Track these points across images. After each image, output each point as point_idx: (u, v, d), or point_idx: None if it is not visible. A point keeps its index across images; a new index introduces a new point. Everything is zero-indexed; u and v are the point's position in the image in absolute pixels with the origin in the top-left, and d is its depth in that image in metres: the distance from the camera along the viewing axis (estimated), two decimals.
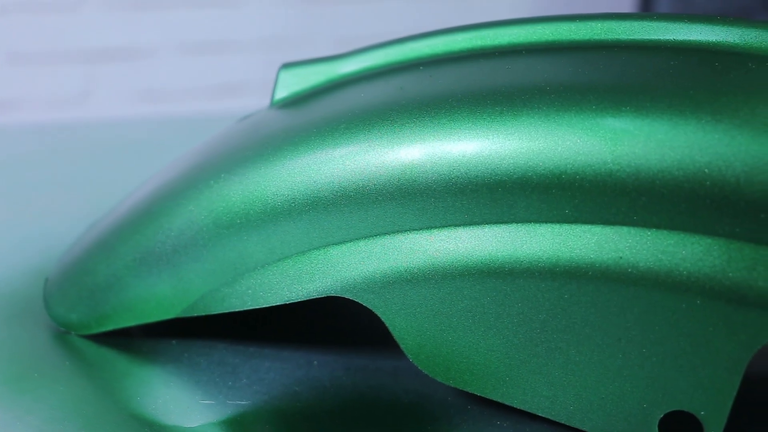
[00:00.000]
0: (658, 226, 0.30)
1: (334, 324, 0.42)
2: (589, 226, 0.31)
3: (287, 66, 0.41)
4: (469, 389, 0.34)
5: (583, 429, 0.33)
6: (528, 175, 0.31)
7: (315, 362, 0.38)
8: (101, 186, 0.60)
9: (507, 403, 0.33)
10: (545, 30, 0.37)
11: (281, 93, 0.41)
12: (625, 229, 0.31)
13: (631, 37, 0.35)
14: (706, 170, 0.30)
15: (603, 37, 0.35)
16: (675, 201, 0.30)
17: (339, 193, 0.34)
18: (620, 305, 0.31)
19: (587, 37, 0.36)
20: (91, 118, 1.49)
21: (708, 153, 0.30)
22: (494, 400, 0.34)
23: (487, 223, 0.32)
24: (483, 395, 0.34)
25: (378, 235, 0.34)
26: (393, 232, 0.34)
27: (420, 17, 1.74)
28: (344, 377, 0.37)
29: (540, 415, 0.33)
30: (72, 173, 0.66)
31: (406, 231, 0.33)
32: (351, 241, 0.34)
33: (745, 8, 1.58)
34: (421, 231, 0.33)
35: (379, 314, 0.34)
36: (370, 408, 0.35)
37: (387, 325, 0.34)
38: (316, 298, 0.35)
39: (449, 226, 0.33)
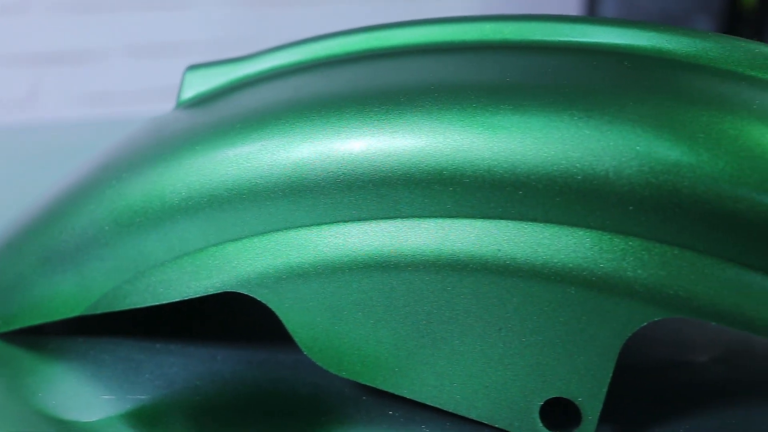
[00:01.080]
0: (534, 220, 0.32)
1: (244, 319, 0.43)
2: (470, 220, 0.32)
3: (193, 68, 0.42)
4: (360, 380, 0.35)
5: (469, 417, 0.34)
6: (411, 172, 0.32)
7: (218, 357, 0.39)
8: (46, 188, 0.60)
9: (397, 393, 0.34)
10: (439, 31, 0.38)
11: (187, 94, 0.41)
12: (503, 222, 0.32)
13: (520, 38, 0.36)
14: (578, 165, 0.31)
15: (492, 37, 0.37)
16: (549, 195, 0.31)
17: (233, 192, 0.35)
18: (499, 296, 0.32)
19: (477, 38, 0.37)
20: (39, 120, 1.49)
21: (579, 148, 0.31)
22: (385, 390, 0.35)
23: (373, 219, 0.33)
24: (374, 386, 0.35)
25: (271, 231, 0.35)
26: (285, 229, 0.35)
27: (370, 19, 1.75)
28: (245, 371, 0.38)
29: (428, 404, 0.34)
30: (18, 176, 0.67)
31: (297, 227, 0.34)
32: (246, 237, 0.35)
33: (685, 9, 1.60)
34: (311, 227, 0.34)
35: (273, 308, 0.35)
36: (268, 400, 0.36)
37: (281, 319, 0.35)
38: (225, 294, 0.36)
39: (338, 222, 0.34)
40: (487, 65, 0.35)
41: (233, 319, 0.43)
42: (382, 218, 0.33)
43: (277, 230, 0.35)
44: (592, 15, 1.82)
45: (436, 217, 0.33)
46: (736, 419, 0.35)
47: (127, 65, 1.67)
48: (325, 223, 0.34)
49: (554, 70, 0.34)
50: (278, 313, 0.35)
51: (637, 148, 0.30)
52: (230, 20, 1.68)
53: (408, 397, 0.34)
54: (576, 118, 0.31)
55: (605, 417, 0.34)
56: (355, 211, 0.33)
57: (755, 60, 0.33)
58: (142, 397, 0.36)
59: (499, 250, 0.32)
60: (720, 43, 0.34)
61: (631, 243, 0.31)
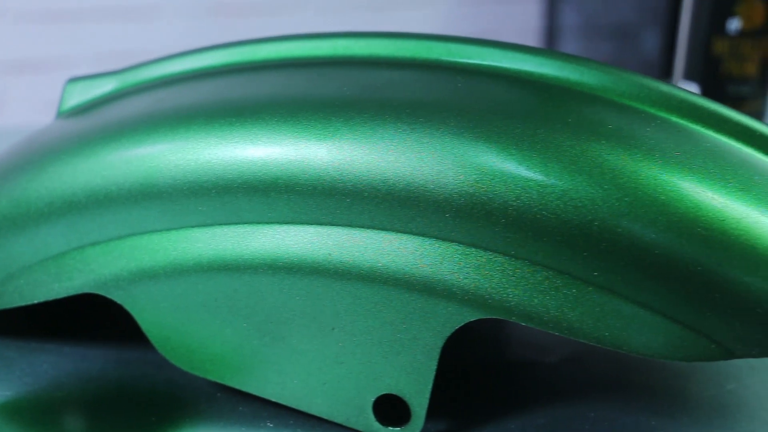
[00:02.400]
0: (361, 226, 0.34)
1: (125, 320, 0.44)
2: (304, 226, 0.34)
3: (74, 80, 0.44)
4: (210, 377, 0.37)
5: (309, 412, 0.36)
6: (250, 181, 0.34)
7: (90, 356, 0.41)
8: None
9: (243, 389, 0.36)
10: (297, 46, 0.40)
11: (67, 105, 0.43)
12: (334, 228, 0.34)
13: (368, 54, 0.38)
14: (400, 174, 0.33)
15: (342, 53, 0.39)
16: (374, 202, 0.33)
17: (90, 197, 0.37)
18: (331, 298, 0.34)
19: (328, 54, 0.39)
20: (6, 126, 1.50)
21: (402, 159, 0.33)
22: (234, 387, 0.36)
23: (217, 224, 0.35)
24: (223, 383, 0.37)
25: (125, 236, 0.37)
26: (138, 233, 0.36)
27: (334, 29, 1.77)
28: (112, 369, 0.40)
29: (272, 400, 0.36)
30: None
31: (149, 232, 0.36)
32: (104, 241, 0.37)
33: (637, 22, 1.63)
34: (161, 232, 0.36)
35: (128, 309, 0.37)
36: (128, 397, 0.38)
37: (135, 319, 0.37)
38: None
39: (185, 227, 0.36)
40: (328, 80, 0.37)
41: (117, 319, 0.45)
42: (225, 224, 0.35)
43: (131, 234, 0.37)
44: (551, 24, 1.85)
45: (273, 223, 0.35)
46: (567, 417, 0.37)
47: None
48: (174, 228, 0.36)
49: (389, 85, 0.36)
50: (133, 313, 0.37)
51: (455, 158, 0.32)
52: (195, 31, 1.70)
53: (253, 393, 0.36)
54: (400, 130, 0.33)
55: (444, 414, 0.36)
56: (200, 217, 0.35)
57: (618, 85, 0.35)
58: (8, 393, 0.38)
59: (330, 255, 0.34)
60: (589, 68, 0.36)
61: (449, 248, 0.33)
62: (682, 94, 0.35)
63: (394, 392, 0.34)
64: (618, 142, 0.33)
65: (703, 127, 0.35)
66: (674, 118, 0.35)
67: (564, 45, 1.90)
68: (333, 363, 0.35)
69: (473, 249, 0.33)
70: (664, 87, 0.35)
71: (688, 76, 0.65)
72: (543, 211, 0.32)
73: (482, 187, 0.32)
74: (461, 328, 0.33)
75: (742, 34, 0.62)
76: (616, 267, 0.32)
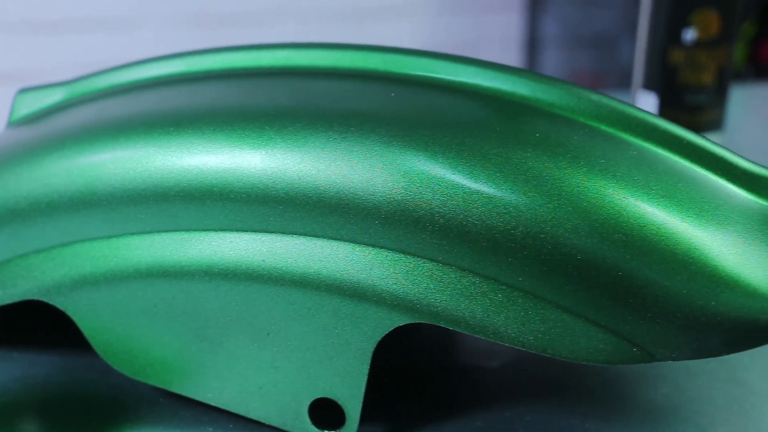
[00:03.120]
0: (293, 233, 0.34)
1: (73, 326, 0.45)
2: (239, 233, 0.35)
3: (24, 90, 0.44)
4: (151, 382, 0.37)
5: (247, 416, 0.36)
6: (186, 189, 0.35)
7: (39, 362, 0.42)
8: None
9: (184, 394, 0.37)
10: (244, 57, 0.40)
11: (17, 114, 0.44)
12: (267, 235, 0.35)
13: (309, 64, 0.39)
14: (330, 182, 0.33)
15: (285, 63, 0.39)
16: (305, 210, 0.34)
17: (33, 206, 0.37)
18: (266, 303, 0.35)
19: (271, 64, 0.39)
20: None
21: (332, 166, 0.33)
22: (175, 392, 0.37)
23: (155, 232, 0.36)
24: (164, 388, 0.37)
25: (67, 243, 0.37)
26: (80, 241, 0.37)
27: (315, 38, 1.78)
28: (59, 375, 0.41)
29: (212, 404, 0.37)
30: None
31: (90, 239, 0.37)
32: (46, 249, 0.38)
33: (616, 33, 1.64)
34: (102, 239, 0.37)
35: (70, 315, 0.37)
36: (73, 402, 0.39)
37: (78, 325, 0.37)
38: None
39: (125, 234, 0.36)
40: (265, 90, 0.37)
41: (66, 325, 0.45)
42: (162, 231, 0.36)
43: (73, 242, 0.37)
44: (532, 34, 1.86)
45: (209, 230, 0.35)
46: (504, 420, 0.37)
47: None
48: (114, 236, 0.37)
49: (324, 95, 0.36)
50: (75, 319, 0.37)
51: (384, 166, 0.33)
52: (177, 41, 1.71)
53: (193, 398, 0.37)
54: (332, 138, 0.34)
55: (380, 417, 0.36)
56: (139, 225, 0.36)
57: (549, 94, 0.36)
58: None
59: (264, 261, 0.35)
60: (539, 82, 0.36)
61: (379, 254, 0.34)
62: (613, 103, 0.36)
63: (328, 396, 0.35)
64: (544, 150, 0.33)
65: (631, 135, 0.35)
66: (603, 127, 0.35)
67: (545, 55, 1.91)
68: (269, 368, 0.36)
69: (402, 255, 0.33)
70: (594, 96, 0.36)
71: (647, 85, 0.65)
72: (469, 218, 0.32)
73: (410, 194, 0.33)
74: (401, 331, 0.34)
75: (698, 44, 0.63)
76: (540, 272, 0.32)
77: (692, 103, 0.65)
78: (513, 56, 1.92)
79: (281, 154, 0.34)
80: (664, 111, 0.65)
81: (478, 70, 0.37)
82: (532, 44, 1.90)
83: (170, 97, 0.39)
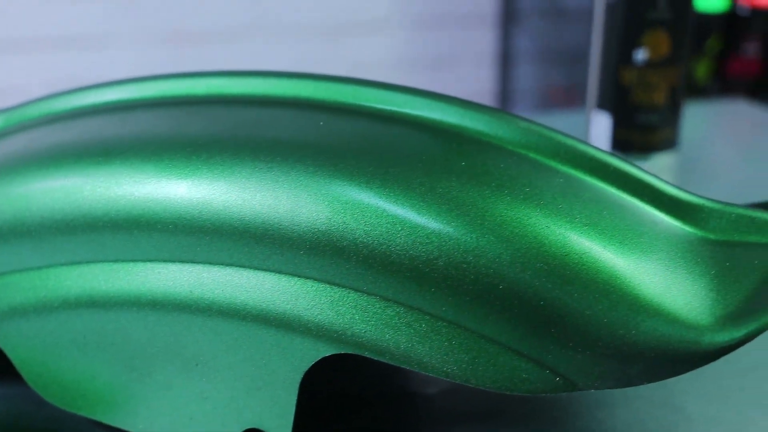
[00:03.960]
0: (220, 263, 0.34)
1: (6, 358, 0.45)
2: (166, 264, 0.35)
3: None
4: (83, 414, 0.37)
5: None
6: (114, 218, 0.35)
7: None
8: None
9: (115, 425, 0.37)
10: (182, 85, 0.40)
11: None
12: (194, 266, 0.34)
13: (244, 92, 0.39)
14: (256, 211, 0.33)
15: (222, 92, 0.39)
16: (232, 240, 0.34)
17: None
18: (193, 334, 0.35)
19: (207, 92, 0.39)
20: None
21: (258, 196, 0.33)
22: (105, 422, 0.37)
23: (84, 262, 0.36)
24: (96, 419, 0.37)
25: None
26: (10, 272, 0.37)
27: (286, 57, 1.78)
28: None
29: None
30: None
31: (20, 270, 0.37)
32: None
33: (586, 48, 1.65)
34: (31, 270, 0.37)
35: (1, 346, 0.37)
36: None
37: (8, 356, 0.37)
38: None
39: (54, 265, 0.36)
40: (195, 119, 0.37)
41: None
42: (91, 261, 0.36)
43: (2, 273, 0.37)
44: (505, 49, 1.87)
45: (137, 260, 0.35)
46: None
47: None
48: (44, 266, 0.36)
49: (252, 124, 0.36)
50: (5, 350, 0.37)
51: (309, 196, 0.33)
52: (149, 59, 1.70)
53: (123, 428, 0.37)
54: (257, 168, 0.34)
55: None
56: (68, 255, 0.36)
57: (476, 123, 0.36)
58: None
59: (191, 292, 0.35)
60: (495, 118, 0.36)
61: (304, 285, 0.34)
62: (541, 131, 0.36)
63: (257, 426, 0.35)
64: (469, 178, 0.33)
65: (558, 162, 0.36)
66: (531, 154, 0.36)
67: (518, 69, 1.92)
68: (198, 398, 0.36)
69: (327, 285, 0.33)
70: (523, 123, 0.36)
71: (600, 105, 0.66)
72: (392, 248, 0.32)
73: (334, 224, 0.33)
74: (339, 356, 0.34)
75: (649, 64, 0.63)
76: (464, 302, 0.32)
77: (645, 122, 0.65)
78: (487, 71, 1.93)
79: (207, 185, 0.34)
80: (618, 130, 0.65)
81: (407, 98, 0.37)
82: (506, 59, 1.91)
83: (101, 126, 0.39)
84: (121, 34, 1.66)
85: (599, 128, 0.66)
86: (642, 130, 0.65)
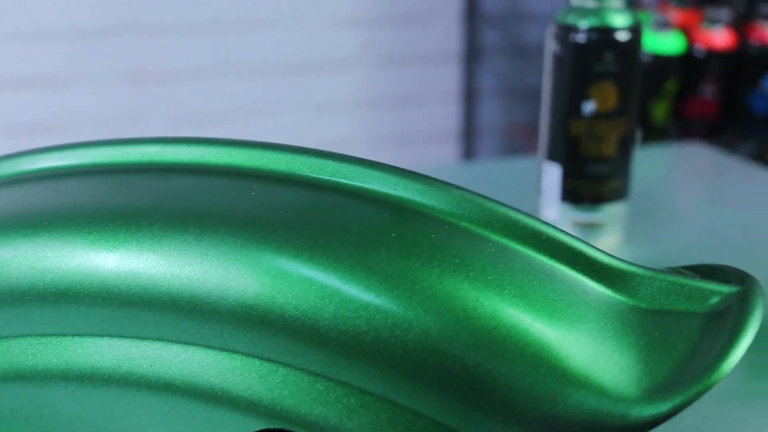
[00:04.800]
0: (149, 337, 0.34)
1: None
2: (94, 338, 0.35)
3: None
4: None
5: None
6: (42, 292, 0.35)
7: None
8: None
9: None
10: (114, 152, 0.40)
11: None
12: (123, 340, 0.34)
13: (173, 161, 0.39)
14: (183, 284, 0.33)
15: (151, 160, 0.39)
16: (159, 313, 0.33)
17: None
18: (124, 408, 0.34)
19: (136, 160, 0.39)
20: None
21: (187, 269, 0.33)
22: None
23: (11, 336, 0.35)
24: None
25: None
26: None
27: (251, 96, 1.78)
28: None
29: None
30: None
31: None
32: None
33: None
34: None
35: None
36: None
37: None
38: None
39: None
40: (125, 189, 0.37)
41: None
42: (19, 335, 0.35)
43: None
44: (470, 87, 1.88)
45: (66, 335, 0.35)
46: None
47: (8, 146, 1.68)
48: None
49: (184, 194, 0.36)
50: None
51: (237, 270, 0.33)
52: (113, 98, 1.70)
53: None
54: (186, 241, 0.34)
55: None
56: None
57: (407, 190, 0.36)
58: None
59: (120, 366, 0.34)
60: (442, 190, 0.36)
61: (233, 359, 0.33)
62: (474, 199, 0.36)
63: None
64: (398, 250, 0.33)
65: (491, 231, 0.36)
66: (463, 224, 0.36)
67: (482, 107, 1.93)
68: None
69: (256, 360, 0.33)
70: (455, 192, 0.36)
71: (551, 156, 0.66)
72: (320, 322, 0.32)
73: (262, 298, 0.33)
74: None
75: (597, 115, 0.64)
76: (392, 376, 0.32)
77: (594, 173, 0.65)
78: (452, 109, 1.94)
79: (136, 257, 0.34)
80: (568, 181, 0.66)
81: (339, 167, 0.37)
82: (470, 97, 1.92)
83: (31, 195, 0.38)
84: (85, 74, 1.66)
85: (550, 178, 0.67)
86: (592, 180, 0.65)
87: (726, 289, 0.35)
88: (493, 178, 0.85)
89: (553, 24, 0.65)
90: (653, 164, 0.93)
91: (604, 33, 0.63)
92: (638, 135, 1.30)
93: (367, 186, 0.36)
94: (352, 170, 0.37)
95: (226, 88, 1.75)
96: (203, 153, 0.39)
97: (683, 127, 1.35)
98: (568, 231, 0.66)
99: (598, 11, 0.63)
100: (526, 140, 1.78)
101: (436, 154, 1.95)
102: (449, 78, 1.89)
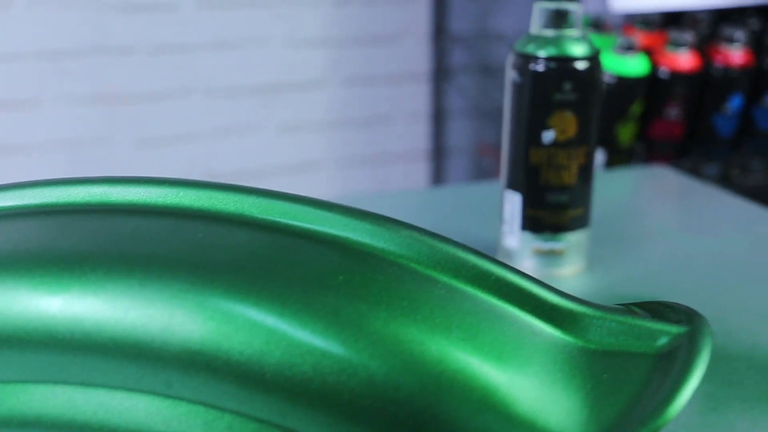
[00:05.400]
0: (92, 384, 0.33)
1: None
2: (37, 385, 0.34)
3: None
4: None
5: None
6: None
7: None
8: None
9: None
10: (61, 193, 0.40)
11: None
12: (67, 387, 0.34)
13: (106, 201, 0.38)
14: (128, 330, 0.33)
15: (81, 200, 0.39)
16: (102, 360, 0.33)
17: None
18: None
19: (79, 201, 0.39)
20: None
21: (131, 314, 0.33)
22: None
23: None
24: None
25: None
26: None
27: (219, 117, 1.77)
28: None
29: None
30: None
31: None
32: None
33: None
34: None
35: None
36: None
37: None
38: None
39: None
40: (70, 231, 0.37)
41: None
42: None
43: None
44: (438, 106, 1.88)
45: (7, 381, 0.34)
46: None
47: None
48: None
49: (130, 237, 0.36)
50: None
51: (182, 314, 0.33)
52: (77, 120, 1.69)
53: None
54: (131, 286, 0.33)
55: None
56: None
57: (357, 232, 0.36)
58: None
59: (63, 414, 0.34)
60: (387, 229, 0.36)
61: (178, 406, 0.33)
62: (424, 239, 0.36)
63: None
64: (346, 294, 0.33)
65: (440, 273, 0.35)
66: (413, 265, 0.35)
67: (451, 126, 1.93)
68: None
69: (201, 406, 0.33)
70: (405, 232, 0.36)
71: (511, 186, 0.66)
72: (266, 368, 0.32)
73: (207, 343, 0.32)
74: None
75: (557, 145, 0.64)
76: (339, 422, 0.32)
77: (555, 202, 0.65)
78: (421, 128, 1.94)
79: (79, 303, 0.33)
80: (528, 210, 0.66)
81: (288, 207, 0.37)
82: (439, 116, 1.93)
83: None
84: (51, 96, 1.65)
85: (511, 207, 0.67)
86: (552, 209, 0.65)
87: (674, 329, 0.35)
88: (460, 203, 0.85)
89: (512, 53, 0.66)
90: (617, 187, 0.93)
91: (564, 62, 0.63)
92: (603, 157, 1.31)
93: (316, 228, 0.36)
94: (301, 211, 0.37)
95: (193, 109, 1.75)
96: (150, 193, 0.38)
97: (649, 148, 1.36)
98: (529, 259, 0.66)
99: (557, 40, 0.64)
100: (495, 159, 1.79)
101: (405, 173, 1.95)
102: (418, 98, 1.89)
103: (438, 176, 1.96)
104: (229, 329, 0.32)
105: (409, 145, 1.94)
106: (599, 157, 1.25)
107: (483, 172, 1.89)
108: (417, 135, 1.94)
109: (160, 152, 1.74)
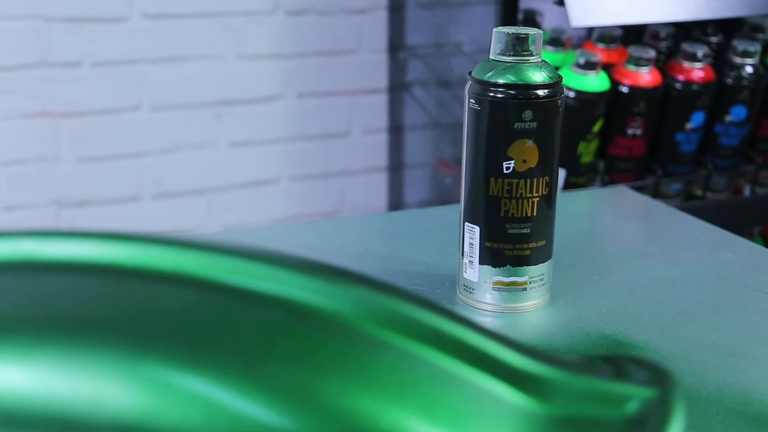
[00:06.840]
0: None
1: None
2: None
3: None
4: None
5: None
6: None
7: None
8: None
9: None
10: None
11: None
12: None
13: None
14: (55, 398, 0.30)
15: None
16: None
17: None
18: None
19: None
20: None
21: (60, 383, 0.30)
22: None
23: None
24: None
25: None
26: None
27: (168, 132, 1.74)
28: None
29: None
30: None
31: None
32: None
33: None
34: None
35: None
36: None
37: None
38: None
39: None
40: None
41: None
42: None
43: None
44: (397, 120, 1.86)
45: None
46: None
47: None
48: None
49: (57, 299, 0.33)
50: None
51: (115, 383, 0.30)
52: (21, 135, 1.65)
53: None
54: (58, 352, 0.31)
55: None
56: None
57: (302, 291, 0.33)
58: None
59: None
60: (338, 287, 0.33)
61: None
62: (376, 298, 0.34)
63: None
64: (292, 362, 0.31)
65: (394, 334, 0.33)
66: (364, 326, 0.33)
67: (410, 139, 1.92)
68: None
69: None
70: (356, 290, 0.33)
71: (470, 219, 0.64)
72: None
73: (143, 415, 0.30)
74: None
75: (517, 174, 0.62)
76: None
77: (516, 234, 0.63)
78: (378, 143, 1.92)
79: (2, 370, 0.31)
80: (488, 243, 0.63)
81: (229, 264, 0.34)
82: (397, 130, 1.91)
83: None
84: None
85: (471, 239, 0.64)
86: (513, 242, 0.63)
87: (644, 392, 0.33)
88: (420, 228, 0.83)
89: (469, 79, 0.63)
90: (578, 209, 0.92)
91: (524, 90, 0.61)
92: (564, 175, 1.29)
93: (260, 286, 0.34)
94: (243, 268, 0.34)
95: (142, 124, 1.71)
96: (82, 249, 0.36)
97: (610, 165, 1.35)
98: (490, 293, 0.64)
99: (516, 67, 0.61)
100: (454, 174, 1.77)
101: (363, 188, 1.93)
102: (375, 112, 1.87)
103: (396, 191, 1.94)
104: (165, 403, 0.30)
105: (367, 160, 1.92)
106: (560, 174, 1.24)
107: (442, 186, 1.87)
108: (375, 149, 1.92)
109: (107, 169, 1.70)
